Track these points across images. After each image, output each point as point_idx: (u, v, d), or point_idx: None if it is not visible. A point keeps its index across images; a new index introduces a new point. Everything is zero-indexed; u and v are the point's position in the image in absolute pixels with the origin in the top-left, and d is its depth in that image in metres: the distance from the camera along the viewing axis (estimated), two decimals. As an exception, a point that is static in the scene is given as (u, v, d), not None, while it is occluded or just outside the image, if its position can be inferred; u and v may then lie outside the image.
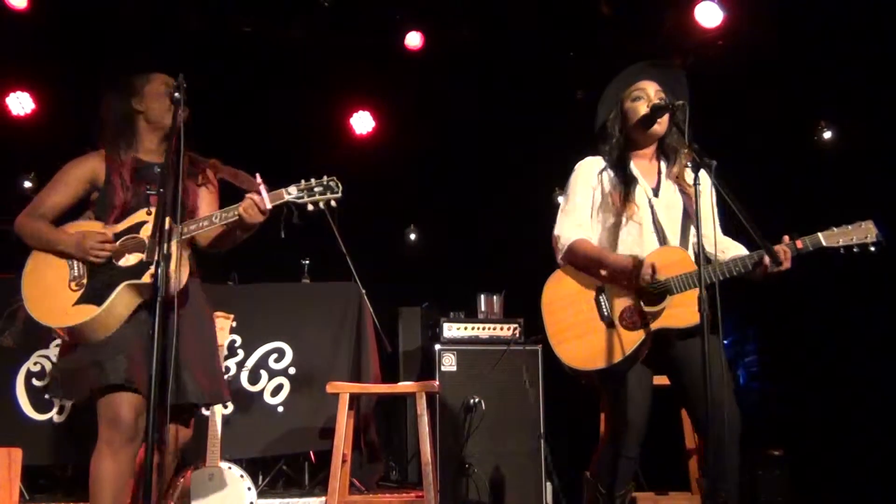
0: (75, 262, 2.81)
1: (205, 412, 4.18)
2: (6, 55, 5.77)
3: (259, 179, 2.83)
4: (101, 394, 2.73)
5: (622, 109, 3.02)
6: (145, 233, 2.82)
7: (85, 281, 2.77)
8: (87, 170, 2.95)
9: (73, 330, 2.74)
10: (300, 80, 6.25)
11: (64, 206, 2.94)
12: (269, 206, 2.80)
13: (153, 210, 2.81)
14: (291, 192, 2.82)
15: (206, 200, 3.05)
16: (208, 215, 2.88)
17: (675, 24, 5.58)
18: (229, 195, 3.03)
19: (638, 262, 2.79)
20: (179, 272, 2.69)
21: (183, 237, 2.78)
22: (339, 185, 2.85)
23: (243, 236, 2.96)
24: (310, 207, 2.84)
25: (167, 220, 2.57)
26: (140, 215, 2.87)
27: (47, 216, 2.91)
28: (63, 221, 2.94)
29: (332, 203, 2.86)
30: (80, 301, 2.74)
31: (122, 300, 2.75)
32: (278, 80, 6.24)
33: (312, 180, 2.85)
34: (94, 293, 2.74)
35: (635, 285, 2.81)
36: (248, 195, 2.82)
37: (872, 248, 2.74)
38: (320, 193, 2.83)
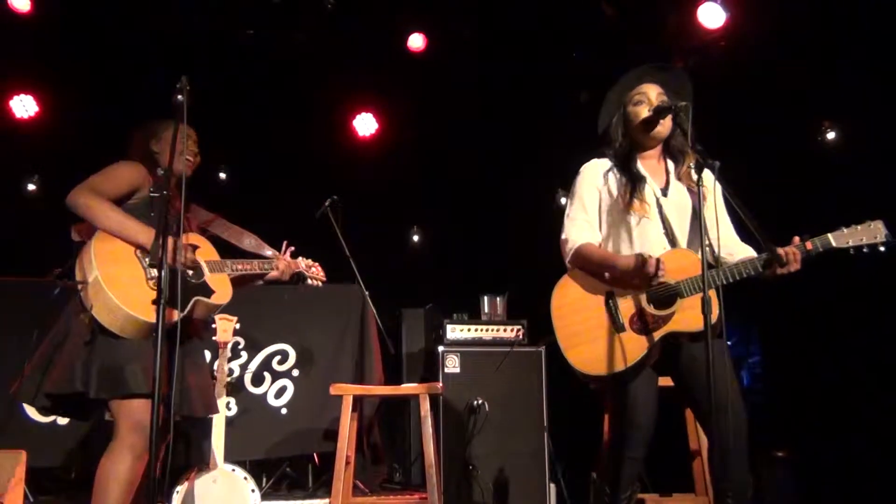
0: (147, 262, 2.89)
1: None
2: (9, 58, 5.78)
3: (290, 248, 3.39)
4: (122, 398, 2.79)
5: (624, 113, 3.02)
6: (201, 256, 3.03)
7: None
8: (139, 176, 3.03)
9: (140, 324, 2.79)
10: (303, 82, 6.25)
11: (114, 198, 2.98)
12: (295, 270, 3.36)
13: (203, 239, 3.10)
14: (302, 265, 3.42)
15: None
16: (250, 260, 3.22)
17: (678, 26, 5.57)
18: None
19: (644, 260, 2.79)
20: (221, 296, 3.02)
21: (233, 273, 3.11)
22: (324, 274, 3.53)
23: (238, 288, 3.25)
24: (310, 281, 3.46)
25: (214, 250, 3.08)
26: (191, 238, 3.05)
27: (107, 199, 2.94)
28: None
29: (319, 284, 3.50)
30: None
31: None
32: (281, 83, 6.25)
33: (311, 261, 3.48)
34: (173, 297, 2.78)
35: (644, 283, 2.81)
36: (283, 258, 3.32)
37: (882, 248, 2.73)
38: (314, 273, 3.48)
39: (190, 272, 2.98)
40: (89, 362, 2.80)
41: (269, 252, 3.34)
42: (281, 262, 3.29)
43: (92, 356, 2.81)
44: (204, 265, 3.03)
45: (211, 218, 3.31)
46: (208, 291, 2.99)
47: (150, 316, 2.74)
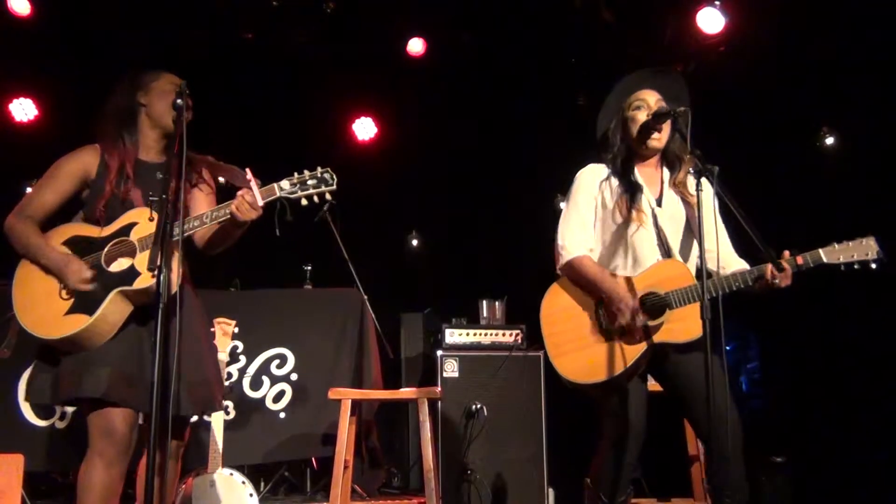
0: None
1: (205, 418, 4.19)
2: (9, 61, 5.78)
3: (249, 175, 2.73)
4: (92, 405, 2.66)
5: (623, 118, 3.01)
6: (136, 235, 2.73)
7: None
8: (79, 165, 2.84)
9: (66, 340, 2.65)
10: (302, 86, 6.26)
11: (54, 205, 2.83)
12: (261, 202, 2.70)
13: (147, 210, 2.73)
14: (284, 188, 2.73)
15: (200, 201, 2.95)
16: (199, 214, 2.77)
17: (677, 31, 5.58)
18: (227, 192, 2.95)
19: (624, 302, 2.79)
20: (172, 275, 2.57)
21: (174, 238, 2.60)
22: (334, 176, 2.77)
23: (237, 234, 2.86)
24: (304, 202, 2.75)
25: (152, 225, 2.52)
26: (131, 216, 2.77)
27: (35, 216, 2.80)
28: (54, 220, 2.85)
29: (327, 196, 2.76)
30: (71, 310, 2.65)
31: (114, 308, 2.67)
32: (281, 87, 6.25)
33: (306, 172, 2.77)
34: (86, 302, 2.65)
35: (618, 319, 2.80)
36: (239, 193, 2.71)
37: (873, 265, 2.73)
38: (314, 186, 2.75)
39: (110, 266, 2.70)
40: (42, 372, 2.73)
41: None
42: (235, 199, 2.70)
43: (42, 366, 2.74)
44: (136, 244, 2.71)
45: (206, 163, 3.00)
46: (131, 278, 2.65)
47: (56, 332, 2.63)
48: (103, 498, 2.65)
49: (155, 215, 2.62)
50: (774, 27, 5.21)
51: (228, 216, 2.72)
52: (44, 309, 2.68)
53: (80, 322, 2.63)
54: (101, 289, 2.67)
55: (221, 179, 3.10)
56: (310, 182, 2.75)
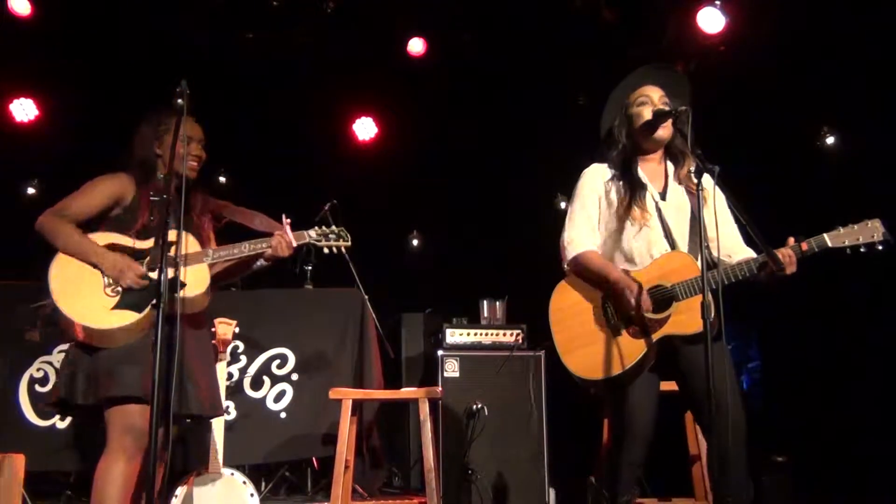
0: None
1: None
2: (10, 61, 5.78)
3: (287, 220, 3.13)
4: (115, 402, 2.82)
5: (627, 115, 3.01)
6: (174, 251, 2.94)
7: (120, 289, 2.89)
8: (118, 187, 3.07)
9: (105, 333, 2.83)
10: (303, 86, 6.26)
11: (89, 215, 3.03)
12: (295, 244, 3.11)
13: (187, 234, 2.93)
14: (311, 235, 3.20)
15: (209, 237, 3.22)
16: (238, 244, 3.07)
17: (678, 30, 5.58)
18: (232, 231, 3.28)
19: (632, 286, 2.79)
20: (203, 295, 2.94)
21: (213, 261, 3.01)
22: (349, 235, 3.27)
23: (251, 271, 3.24)
24: (325, 250, 3.24)
25: (196, 243, 2.89)
26: (170, 236, 2.94)
27: (74, 220, 2.99)
28: (83, 230, 3.02)
29: (343, 249, 3.27)
30: (118, 306, 2.87)
31: (154, 310, 2.83)
32: (281, 87, 6.25)
33: (325, 228, 3.25)
34: (133, 301, 2.87)
35: (626, 310, 2.81)
36: (278, 233, 3.09)
37: (880, 247, 2.72)
38: (334, 239, 3.25)
39: (152, 275, 2.90)
40: (74, 370, 2.87)
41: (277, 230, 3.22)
42: (275, 237, 3.09)
43: (76, 364, 2.88)
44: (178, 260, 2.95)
45: (222, 205, 3.30)
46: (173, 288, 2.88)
47: (103, 323, 2.83)
48: (125, 489, 2.81)
49: (188, 236, 2.92)
50: (774, 27, 5.21)
51: (265, 249, 3.08)
52: (90, 301, 2.87)
53: (128, 317, 2.85)
54: (147, 293, 2.87)
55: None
56: (331, 236, 3.25)
